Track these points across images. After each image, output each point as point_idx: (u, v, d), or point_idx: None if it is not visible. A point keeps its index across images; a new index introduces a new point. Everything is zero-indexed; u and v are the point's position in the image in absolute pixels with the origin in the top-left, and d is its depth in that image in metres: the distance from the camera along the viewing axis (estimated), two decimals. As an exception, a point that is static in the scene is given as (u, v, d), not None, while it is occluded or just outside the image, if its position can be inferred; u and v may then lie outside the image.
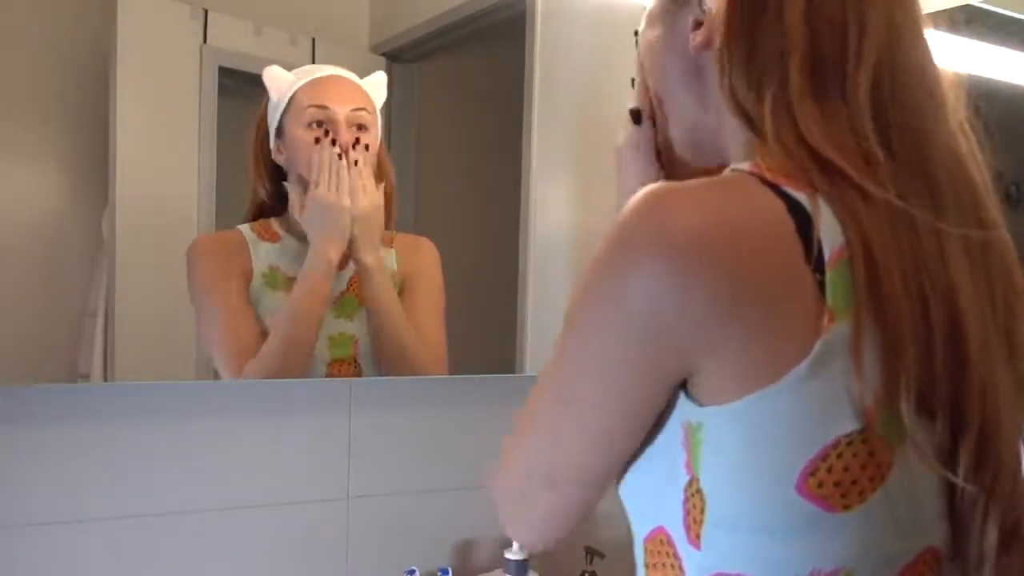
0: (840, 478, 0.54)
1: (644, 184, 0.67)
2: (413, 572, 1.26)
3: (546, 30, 1.43)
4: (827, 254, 0.54)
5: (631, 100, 0.76)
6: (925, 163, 0.59)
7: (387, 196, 1.24)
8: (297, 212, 1.19)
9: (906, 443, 0.55)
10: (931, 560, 0.59)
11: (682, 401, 0.58)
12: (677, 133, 0.72)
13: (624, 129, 0.76)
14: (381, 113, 1.26)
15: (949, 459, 0.57)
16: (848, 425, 0.54)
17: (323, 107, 1.19)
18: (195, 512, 1.18)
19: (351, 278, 1.25)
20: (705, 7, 0.64)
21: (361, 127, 1.21)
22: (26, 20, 1.06)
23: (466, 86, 1.48)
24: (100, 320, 1.10)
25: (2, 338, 1.04)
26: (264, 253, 1.21)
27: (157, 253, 1.16)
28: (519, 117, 1.42)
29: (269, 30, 1.22)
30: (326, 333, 1.23)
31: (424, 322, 1.29)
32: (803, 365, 0.53)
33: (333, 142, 1.17)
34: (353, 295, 1.25)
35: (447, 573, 1.29)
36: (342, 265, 1.23)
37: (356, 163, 1.18)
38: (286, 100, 1.19)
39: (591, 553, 1.37)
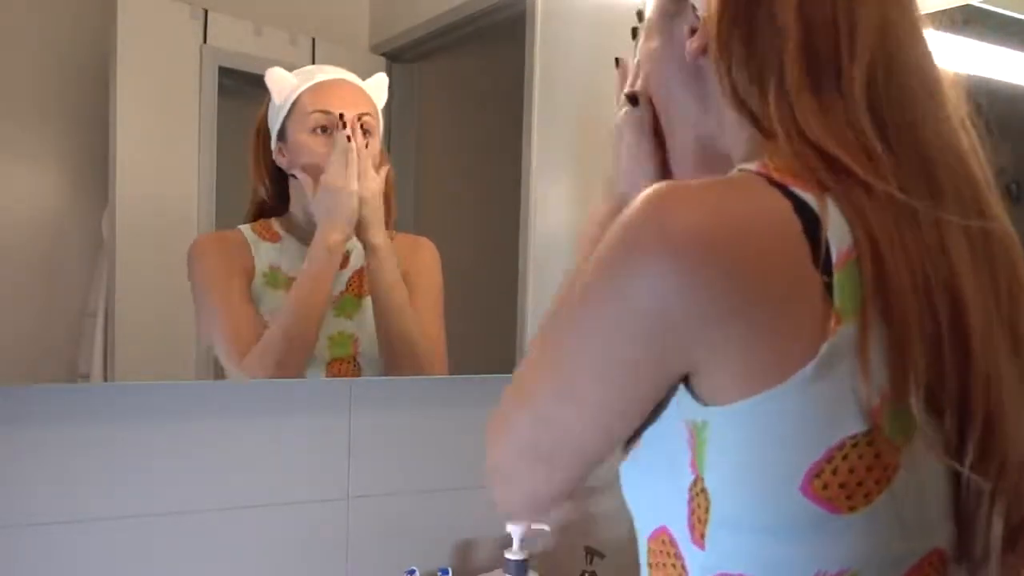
0: (846, 480, 0.54)
1: (641, 159, 0.68)
2: (413, 572, 1.26)
3: (546, 30, 1.43)
4: (835, 256, 0.54)
5: (617, 80, 0.78)
6: (925, 160, 0.59)
7: (386, 197, 1.24)
8: (310, 194, 1.20)
9: (912, 443, 0.55)
10: (937, 562, 0.59)
11: (686, 399, 0.58)
12: (679, 140, 0.73)
13: (622, 108, 0.77)
14: (381, 113, 1.26)
15: (956, 455, 0.57)
16: (854, 427, 0.54)
17: (327, 112, 1.19)
18: (195, 512, 1.18)
19: (351, 278, 1.25)
20: (699, 14, 0.65)
21: (365, 132, 1.21)
22: (26, 20, 1.06)
23: (466, 86, 1.48)
24: (100, 320, 1.10)
25: (2, 338, 1.04)
26: (265, 253, 1.21)
27: (157, 253, 1.16)
28: (519, 117, 1.42)
29: (269, 30, 1.22)
30: (326, 333, 1.23)
31: (424, 321, 1.29)
32: (809, 367, 0.53)
33: (343, 125, 1.18)
34: (353, 295, 1.25)
35: (447, 573, 1.29)
36: (343, 265, 1.23)
37: (367, 145, 1.19)
38: (289, 104, 1.19)
39: (591, 553, 1.37)
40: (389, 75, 1.27)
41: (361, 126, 1.20)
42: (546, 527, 1.36)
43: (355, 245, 1.25)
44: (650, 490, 0.63)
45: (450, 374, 1.33)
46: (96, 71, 1.11)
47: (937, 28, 0.66)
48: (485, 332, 1.47)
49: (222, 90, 1.18)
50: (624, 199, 0.74)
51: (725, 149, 0.67)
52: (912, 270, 0.55)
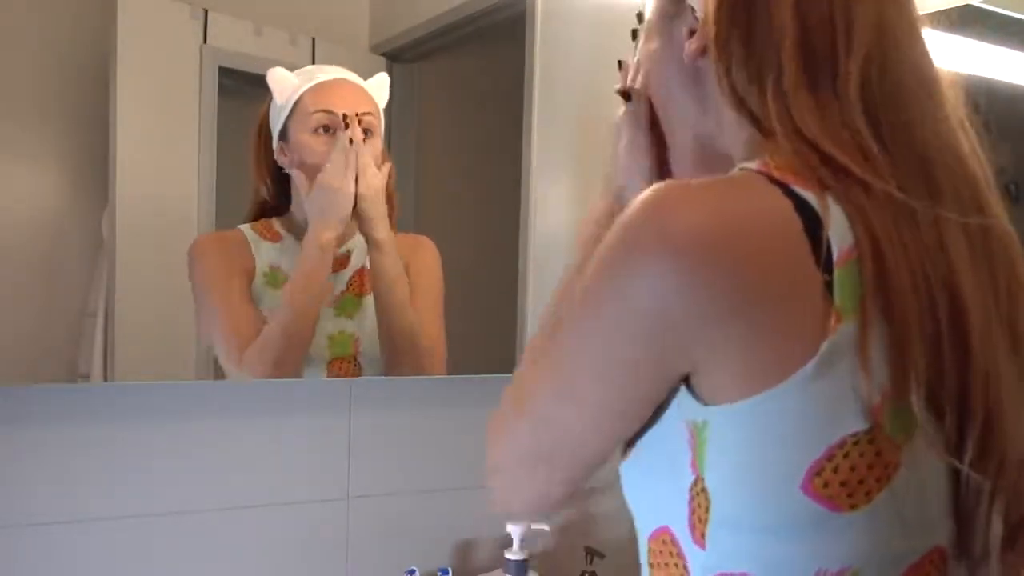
0: (846, 478, 0.54)
1: (637, 154, 0.68)
2: (413, 572, 1.26)
3: (546, 30, 1.43)
4: (836, 254, 0.54)
5: (618, 82, 0.78)
6: (922, 160, 0.59)
7: (389, 194, 1.24)
8: (304, 192, 1.20)
9: (913, 441, 0.55)
10: (937, 560, 0.59)
11: (686, 399, 0.58)
12: (679, 140, 0.73)
13: (621, 105, 0.78)
14: (382, 113, 1.26)
15: (956, 453, 0.57)
16: (855, 425, 0.54)
17: (329, 112, 1.19)
18: (195, 512, 1.18)
19: (352, 277, 1.25)
20: (698, 15, 0.65)
21: (367, 132, 1.21)
22: (26, 20, 1.06)
23: (466, 86, 1.48)
24: (100, 320, 1.10)
25: (2, 338, 1.04)
26: (265, 252, 1.21)
27: (157, 253, 1.16)
28: (519, 117, 1.43)
29: (269, 30, 1.22)
30: (326, 332, 1.23)
31: (424, 321, 1.29)
32: (810, 365, 0.53)
33: (346, 126, 1.18)
34: (354, 294, 1.25)
35: (447, 573, 1.29)
36: (344, 264, 1.23)
37: (364, 140, 1.19)
38: (291, 104, 1.19)
39: (591, 553, 1.37)
40: (389, 75, 1.27)
41: (363, 126, 1.20)
42: (546, 527, 1.36)
43: (356, 244, 1.25)
44: (651, 490, 0.63)
45: (450, 374, 1.33)
46: (96, 71, 1.11)
47: (937, 28, 0.66)
48: (485, 332, 1.47)
49: (222, 90, 1.18)
50: (621, 194, 0.75)
51: (724, 149, 0.67)
52: (912, 269, 0.55)
